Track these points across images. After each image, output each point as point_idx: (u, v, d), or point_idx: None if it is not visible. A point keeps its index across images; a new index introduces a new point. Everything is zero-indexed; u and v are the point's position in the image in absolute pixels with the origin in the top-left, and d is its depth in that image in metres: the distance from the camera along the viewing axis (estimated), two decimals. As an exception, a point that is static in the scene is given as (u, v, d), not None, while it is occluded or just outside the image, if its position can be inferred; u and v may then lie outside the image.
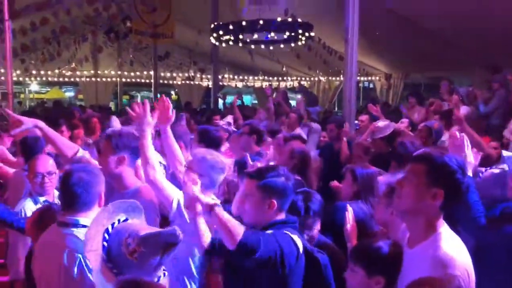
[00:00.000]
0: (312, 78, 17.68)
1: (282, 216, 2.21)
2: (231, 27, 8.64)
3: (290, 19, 8.72)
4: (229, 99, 12.99)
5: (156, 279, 1.82)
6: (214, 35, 9.30)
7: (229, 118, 6.45)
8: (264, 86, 17.85)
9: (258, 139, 4.40)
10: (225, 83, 18.32)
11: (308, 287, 2.03)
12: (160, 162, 3.80)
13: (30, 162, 3.36)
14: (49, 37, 12.16)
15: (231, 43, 9.53)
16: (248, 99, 23.20)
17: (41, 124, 3.00)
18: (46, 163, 3.27)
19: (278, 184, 2.16)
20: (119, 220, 1.90)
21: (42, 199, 3.26)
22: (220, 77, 16.38)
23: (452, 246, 1.86)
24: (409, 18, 9.04)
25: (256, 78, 18.34)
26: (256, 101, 20.87)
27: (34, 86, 22.24)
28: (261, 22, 8.22)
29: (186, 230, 2.62)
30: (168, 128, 2.96)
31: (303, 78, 17.87)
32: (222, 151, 4.59)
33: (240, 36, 8.99)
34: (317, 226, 2.47)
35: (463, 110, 6.12)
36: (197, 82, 17.99)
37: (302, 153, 3.63)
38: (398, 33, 9.80)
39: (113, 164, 2.79)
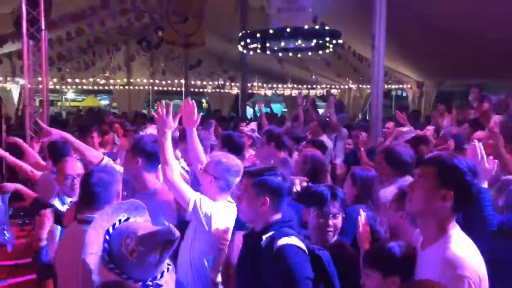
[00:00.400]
0: (342, 86, 17.57)
1: (278, 216, 2.24)
2: (258, 35, 8.72)
3: (317, 27, 8.72)
4: (263, 105, 13.06)
5: (159, 275, 1.85)
6: (242, 43, 9.41)
7: (253, 125, 6.51)
8: (294, 94, 17.91)
9: (278, 144, 4.40)
10: (254, 91, 18.43)
11: (312, 284, 2.05)
12: (183, 167, 3.91)
13: (59, 164, 3.49)
14: (84, 46, 12.58)
15: (258, 51, 9.61)
16: (278, 108, 23.20)
17: (67, 135, 3.42)
18: (75, 166, 3.40)
19: (272, 182, 2.21)
20: (120, 220, 1.92)
21: (68, 200, 3.39)
22: (249, 85, 16.51)
23: (463, 247, 1.84)
24: (440, 23, 8.87)
25: (285, 86, 18.38)
26: (286, 109, 20.88)
27: (70, 94, 22.97)
28: (288, 29, 8.26)
29: (201, 231, 2.69)
30: (194, 130, 3.03)
31: (332, 86, 17.78)
32: (245, 157, 4.66)
33: (267, 44, 9.06)
34: (341, 216, 2.50)
35: (495, 119, 5.95)
36: (227, 90, 18.17)
37: (314, 159, 3.64)
38: (429, 39, 9.64)
39: (133, 166, 2.93)
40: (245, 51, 10.31)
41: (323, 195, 2.44)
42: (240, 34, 9.44)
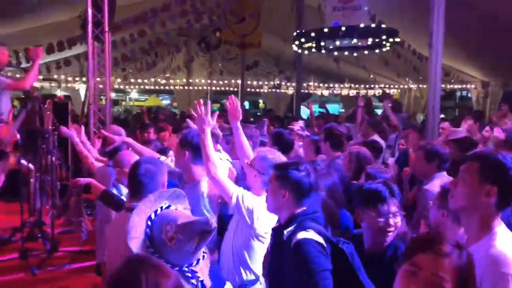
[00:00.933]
0: (401, 86, 17.11)
1: (301, 209, 2.28)
2: (313, 34, 8.70)
3: (373, 25, 8.58)
4: (314, 108, 13.02)
5: (195, 262, 1.96)
6: (296, 42, 9.42)
7: (300, 123, 6.54)
8: (351, 94, 17.66)
9: (334, 144, 4.40)
10: (310, 91, 18.36)
11: (336, 277, 2.06)
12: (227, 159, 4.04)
13: (117, 157, 3.75)
14: (146, 48, 13.10)
15: (313, 50, 9.59)
16: (335, 108, 22.95)
17: (129, 140, 3.93)
18: (133, 158, 3.64)
19: (293, 176, 2.27)
20: (161, 207, 2.05)
21: (124, 190, 3.61)
22: (305, 85, 16.47)
23: (508, 245, 1.79)
24: (504, 20, 8.44)
25: (342, 86, 18.16)
26: (343, 110, 20.62)
27: (134, 94, 23.95)
28: (343, 28, 8.19)
29: (243, 224, 2.78)
30: (238, 125, 3.13)
31: (391, 86, 17.35)
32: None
33: (322, 43, 9.02)
34: (401, 213, 2.39)
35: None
36: (283, 90, 18.23)
37: (359, 156, 3.63)
38: (493, 37, 9.20)
39: (181, 158, 3.12)
40: (299, 51, 10.32)
41: (380, 192, 2.30)
42: (295, 33, 9.45)
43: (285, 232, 2.22)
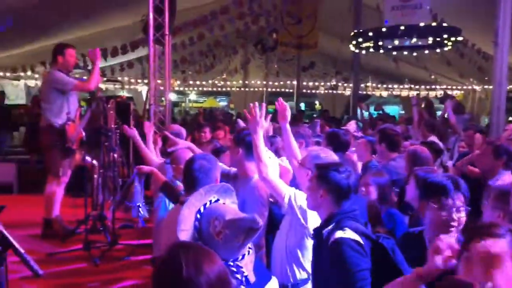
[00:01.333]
0: (465, 87, 16.39)
1: (340, 208, 2.28)
2: (370, 34, 8.56)
3: (434, 24, 8.30)
4: (372, 109, 12.77)
5: (240, 257, 2.00)
6: (354, 42, 9.30)
7: (353, 123, 6.45)
8: (411, 95, 17.12)
9: (391, 144, 4.31)
10: (368, 92, 18.00)
11: (377, 273, 2.03)
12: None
13: (174, 154, 3.90)
14: (205, 50, 13.41)
15: (371, 50, 9.42)
16: (394, 110, 22.33)
17: (190, 145, 4.09)
18: (189, 155, 3.78)
19: (332, 177, 2.29)
20: (210, 201, 2.10)
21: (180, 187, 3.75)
22: (363, 86, 16.18)
23: None
24: None
25: (401, 86, 17.66)
26: (403, 112, 20.05)
27: (192, 96, 24.56)
28: (402, 27, 7.98)
29: (297, 224, 2.79)
30: (286, 126, 3.16)
31: (453, 87, 16.66)
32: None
33: (380, 43, 8.84)
34: (466, 209, 2.28)
35: None
36: (339, 92, 18.00)
37: (416, 154, 3.54)
38: None
39: (235, 155, 3.25)
40: (357, 51, 10.18)
41: (445, 185, 2.23)
42: (352, 33, 9.32)
43: (323, 231, 2.24)
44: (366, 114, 8.52)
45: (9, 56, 11.91)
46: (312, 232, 2.72)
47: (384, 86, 18.00)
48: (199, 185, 2.56)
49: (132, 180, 4.31)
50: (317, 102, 23.10)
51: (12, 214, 6.38)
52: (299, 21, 13.11)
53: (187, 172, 2.71)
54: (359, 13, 11.11)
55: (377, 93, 18.36)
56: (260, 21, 12.77)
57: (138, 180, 4.29)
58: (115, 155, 5.61)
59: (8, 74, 13.32)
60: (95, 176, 5.99)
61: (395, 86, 17.90)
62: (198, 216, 2.06)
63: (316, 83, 17.87)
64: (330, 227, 2.22)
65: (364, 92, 17.55)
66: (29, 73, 13.17)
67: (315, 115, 20.64)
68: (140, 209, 5.19)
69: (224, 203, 2.18)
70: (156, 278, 1.44)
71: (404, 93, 17.86)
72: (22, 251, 1.55)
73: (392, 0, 8.53)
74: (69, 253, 4.91)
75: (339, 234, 2.13)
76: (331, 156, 2.95)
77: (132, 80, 15.91)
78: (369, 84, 17.41)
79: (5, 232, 1.52)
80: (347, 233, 2.13)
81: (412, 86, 17.29)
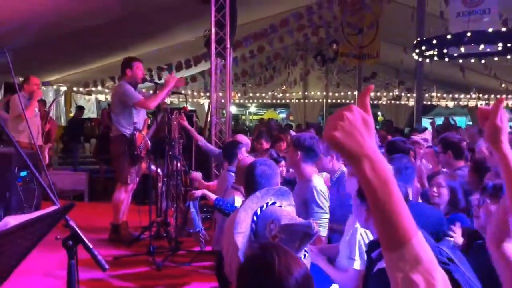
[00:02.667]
0: (540, 96, 15.40)
1: None
2: (434, 41, 8.29)
3: (504, 29, 7.91)
4: (439, 121, 12.33)
5: None
6: (417, 51, 9.05)
7: (428, 133, 6.25)
8: (479, 106, 16.30)
9: (456, 153, 4.18)
10: (434, 103, 17.37)
11: None
12: None
13: (239, 163, 3.99)
14: (265, 63, 13.58)
15: (435, 58, 9.12)
16: (462, 121, 21.36)
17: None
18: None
19: None
20: (267, 204, 2.13)
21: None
22: (427, 96, 15.65)
23: None
24: None
25: (469, 96, 16.88)
26: (470, 123, 19.13)
27: (252, 108, 24.86)
28: (468, 34, 7.68)
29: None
30: None
31: (527, 96, 15.70)
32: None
33: (445, 51, 8.54)
34: None
35: None
36: (403, 102, 17.51)
37: (481, 164, 3.40)
38: None
39: (294, 157, 3.44)
40: (420, 59, 9.88)
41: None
42: (415, 41, 9.08)
43: (372, 254, 2.08)
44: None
45: (81, 72, 12.70)
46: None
47: (450, 96, 17.30)
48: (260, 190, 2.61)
49: (187, 206, 4.44)
50: (379, 113, 22.56)
51: (82, 220, 6.76)
52: (360, 31, 12.95)
53: (249, 177, 2.77)
54: (422, 21, 10.79)
55: (443, 103, 17.66)
56: (320, 33, 12.76)
57: (193, 205, 4.41)
58: (178, 164, 5.81)
59: (80, 89, 14.18)
60: (159, 184, 6.23)
61: (462, 95, 17.14)
62: (255, 218, 2.09)
63: (378, 94, 17.50)
64: (378, 251, 2.02)
65: (429, 103, 16.96)
66: (99, 87, 13.96)
67: (377, 126, 20.19)
68: (200, 234, 5.31)
69: (280, 206, 2.20)
70: (245, 274, 1.50)
71: (472, 103, 17.04)
72: (91, 246, 1.65)
73: (457, 6, 8.25)
74: (135, 257, 5.11)
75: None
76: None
77: (195, 94, 16.39)
78: (434, 94, 16.80)
79: (76, 228, 1.63)
80: None
81: (481, 95, 16.48)
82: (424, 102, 16.28)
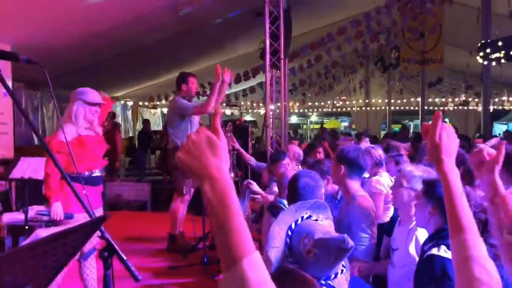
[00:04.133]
0: None
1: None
2: (500, 43, 7.85)
3: None
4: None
5: (333, 276, 1.96)
6: (481, 54, 8.61)
7: (494, 141, 5.91)
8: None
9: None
10: (505, 107, 16.37)
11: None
12: None
13: (281, 175, 4.01)
14: (323, 71, 13.49)
15: (503, 61, 8.62)
16: (539, 126, 19.94)
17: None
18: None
19: (440, 193, 2.12)
20: (302, 218, 2.09)
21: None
22: (497, 100, 14.79)
23: None
24: None
25: (546, 99, 15.77)
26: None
27: (314, 117, 24.73)
28: (538, 34, 7.20)
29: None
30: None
31: None
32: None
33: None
34: None
35: None
36: (471, 108, 16.66)
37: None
38: None
39: (338, 173, 3.20)
40: (485, 62, 9.38)
41: None
42: (479, 44, 8.64)
43: (425, 247, 2.22)
44: None
45: (146, 87, 13.30)
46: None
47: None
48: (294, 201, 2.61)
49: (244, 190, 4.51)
50: (447, 120, 21.62)
51: (143, 230, 7.05)
52: (422, 36, 12.53)
53: (292, 189, 2.78)
54: (488, 22, 10.26)
55: (515, 108, 16.63)
56: (380, 39, 12.49)
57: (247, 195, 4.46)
58: (232, 175, 5.91)
59: (146, 103, 14.83)
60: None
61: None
62: (289, 233, 2.08)
63: (444, 99, 16.79)
64: (431, 243, 2.19)
65: (500, 107, 16.02)
66: (163, 101, 14.52)
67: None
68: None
69: (316, 220, 2.17)
70: None
71: (548, 107, 15.89)
72: (125, 257, 1.73)
73: (525, 5, 7.76)
74: (190, 267, 5.24)
75: (434, 251, 2.09)
76: (427, 171, 2.80)
77: (254, 104, 16.59)
78: (505, 98, 15.84)
79: (110, 239, 1.72)
80: (442, 251, 2.06)
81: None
82: (495, 107, 15.42)
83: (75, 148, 3.48)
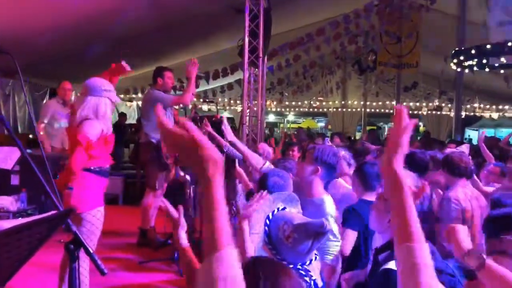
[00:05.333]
0: None
1: None
2: (473, 51, 8.05)
3: (547, 39, 7.59)
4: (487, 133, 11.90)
5: (308, 262, 2.06)
6: (455, 60, 8.81)
7: (465, 147, 6.06)
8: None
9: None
10: (477, 114, 16.79)
11: None
12: None
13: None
14: (301, 71, 13.57)
15: (475, 68, 8.84)
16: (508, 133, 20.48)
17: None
18: None
19: None
20: (278, 208, 2.22)
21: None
22: (469, 106, 15.17)
23: None
24: None
25: (514, 107, 16.24)
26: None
27: (291, 117, 24.86)
28: (509, 44, 7.41)
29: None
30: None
31: None
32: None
33: (484, 61, 8.27)
34: None
35: None
36: (444, 113, 17.03)
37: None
38: None
39: (308, 172, 3.16)
40: (458, 69, 9.61)
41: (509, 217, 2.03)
42: (453, 51, 8.85)
43: (380, 256, 2.14)
44: None
45: (123, 80, 13.10)
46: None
47: (495, 107, 16.67)
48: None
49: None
50: (421, 124, 22.05)
51: (114, 223, 6.96)
52: (399, 40, 12.74)
53: (262, 188, 2.80)
54: (464, 30, 10.51)
55: (487, 114, 17.04)
56: (358, 41, 12.64)
57: None
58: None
59: (121, 96, 14.63)
60: (188, 190, 6.32)
61: (507, 107, 16.48)
62: (267, 221, 2.16)
63: (418, 104, 17.12)
64: (387, 253, 2.11)
65: (472, 114, 16.42)
66: (140, 94, 14.36)
67: (419, 138, 19.70)
68: None
69: (290, 211, 2.27)
70: None
71: (518, 115, 16.37)
72: (91, 250, 1.71)
73: (498, 15, 7.98)
74: (159, 263, 5.21)
75: (391, 265, 1.99)
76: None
77: (232, 101, 16.57)
78: (476, 104, 16.24)
79: (77, 232, 1.70)
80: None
81: (527, 106, 15.82)
82: (467, 113, 15.80)
83: (100, 146, 3.51)
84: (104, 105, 3.54)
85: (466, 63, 8.71)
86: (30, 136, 8.46)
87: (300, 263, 2.05)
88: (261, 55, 7.90)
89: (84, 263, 3.54)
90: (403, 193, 1.22)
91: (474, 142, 14.40)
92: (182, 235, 2.14)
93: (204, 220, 1.01)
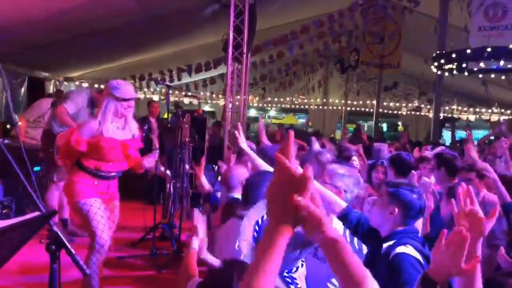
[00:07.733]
0: None
1: (406, 227, 2.33)
2: (453, 55, 8.19)
3: (526, 45, 7.76)
4: (460, 134, 12.17)
5: (294, 269, 2.08)
6: (436, 63, 8.95)
7: (439, 150, 6.18)
8: (501, 120, 15.99)
9: (450, 170, 4.10)
10: (454, 115, 17.09)
11: None
12: None
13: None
14: (284, 68, 13.60)
15: (454, 72, 9.00)
16: (483, 135, 20.95)
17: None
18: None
19: (406, 196, 2.32)
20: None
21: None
22: (447, 108, 15.44)
23: None
24: None
25: (491, 111, 16.55)
26: (493, 138, 18.72)
27: (272, 112, 24.88)
28: (488, 49, 7.56)
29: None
30: None
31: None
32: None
33: (464, 65, 8.43)
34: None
35: None
36: (423, 113, 17.29)
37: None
38: None
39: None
40: (439, 72, 9.77)
41: None
42: (434, 54, 8.98)
43: (384, 246, 2.27)
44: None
45: (102, 70, 12.95)
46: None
47: (472, 109, 16.99)
48: (251, 200, 2.66)
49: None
50: (399, 123, 22.35)
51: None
52: (382, 40, 12.87)
53: (243, 188, 2.85)
54: (445, 33, 10.67)
55: (464, 116, 17.36)
56: (341, 40, 12.70)
57: None
58: (187, 167, 5.87)
59: (101, 86, 14.42)
60: (168, 185, 6.30)
61: (483, 110, 16.82)
62: (256, 227, 2.18)
63: (398, 104, 17.34)
64: (390, 242, 2.25)
65: (450, 115, 16.72)
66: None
67: (397, 137, 19.99)
68: None
69: None
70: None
71: (494, 118, 16.68)
72: (73, 251, 1.70)
73: (479, 21, 8.13)
74: (137, 259, 5.18)
75: (401, 249, 2.16)
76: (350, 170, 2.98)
77: (214, 96, 16.51)
78: (454, 107, 16.53)
79: (59, 232, 1.69)
80: (409, 250, 2.15)
81: (503, 110, 16.15)
82: (445, 115, 16.07)
83: (90, 146, 3.45)
84: (109, 104, 3.47)
85: (446, 67, 8.87)
86: (8, 126, 8.27)
87: (286, 270, 2.06)
88: (245, 51, 7.90)
89: (94, 257, 3.59)
90: (344, 251, 1.15)
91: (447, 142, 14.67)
92: (194, 241, 2.33)
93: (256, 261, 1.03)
